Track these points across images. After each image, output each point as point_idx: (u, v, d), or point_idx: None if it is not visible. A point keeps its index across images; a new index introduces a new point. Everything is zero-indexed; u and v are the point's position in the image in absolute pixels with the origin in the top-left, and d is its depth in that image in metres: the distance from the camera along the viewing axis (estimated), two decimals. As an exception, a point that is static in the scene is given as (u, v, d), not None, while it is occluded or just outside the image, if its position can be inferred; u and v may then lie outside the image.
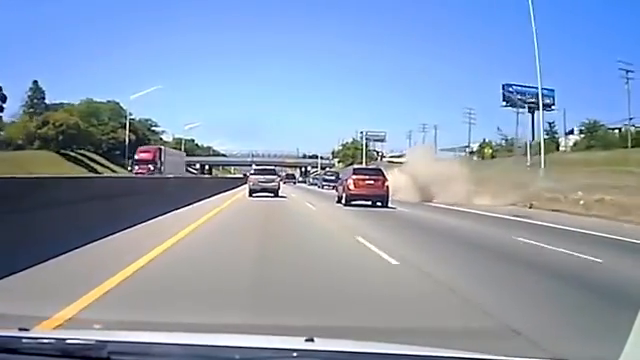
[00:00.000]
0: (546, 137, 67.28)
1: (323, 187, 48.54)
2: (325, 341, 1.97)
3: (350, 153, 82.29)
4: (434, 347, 1.99)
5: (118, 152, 66.88)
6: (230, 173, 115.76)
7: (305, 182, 70.55)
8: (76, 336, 1.87)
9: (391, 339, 2.41)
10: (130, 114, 75.30)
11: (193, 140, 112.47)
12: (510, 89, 77.53)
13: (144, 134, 76.80)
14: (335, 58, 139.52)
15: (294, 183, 65.29)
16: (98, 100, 70.83)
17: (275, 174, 29.12)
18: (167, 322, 3.87)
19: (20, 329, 1.96)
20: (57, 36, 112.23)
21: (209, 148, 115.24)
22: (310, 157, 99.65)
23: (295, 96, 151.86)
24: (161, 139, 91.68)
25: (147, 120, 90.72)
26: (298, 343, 1.88)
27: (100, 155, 62.31)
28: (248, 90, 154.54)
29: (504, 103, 76.03)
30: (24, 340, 1.82)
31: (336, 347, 1.93)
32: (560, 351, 3.76)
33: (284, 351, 1.83)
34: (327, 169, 78.57)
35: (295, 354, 1.79)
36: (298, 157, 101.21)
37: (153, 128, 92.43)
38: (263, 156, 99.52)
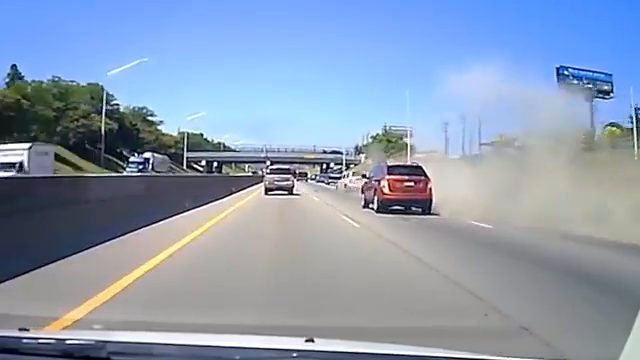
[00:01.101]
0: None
1: (329, 184, 53.78)
2: (325, 341, 1.95)
3: (382, 147, 68.01)
4: (434, 347, 1.98)
5: (95, 145, 52.90)
6: (244, 171, 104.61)
7: (316, 180, 68.17)
8: (76, 336, 1.89)
9: (391, 339, 2.30)
10: (112, 97, 61.94)
11: (202, 134, 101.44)
12: (565, 72, 64.32)
13: (132, 123, 63.01)
14: (352, 53, 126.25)
15: (306, 181, 64.46)
16: (69, 80, 56.63)
17: (290, 173, 29.87)
18: (167, 322, 3.82)
19: (20, 329, 1.93)
20: (65, 29, 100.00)
21: (219, 144, 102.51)
22: (331, 152, 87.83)
23: (312, 91, 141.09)
24: (157, 130, 78.40)
25: (142, 108, 77.44)
26: (298, 343, 1.86)
27: (67, 148, 48.29)
28: (262, 86, 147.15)
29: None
30: (24, 340, 1.81)
31: (336, 347, 1.92)
32: None
33: (284, 351, 1.82)
34: (333, 167, 73.88)
35: (295, 354, 1.79)
36: (318, 152, 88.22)
37: (149, 118, 78.99)
38: (279, 151, 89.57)
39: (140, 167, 46.62)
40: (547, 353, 3.64)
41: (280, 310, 4.83)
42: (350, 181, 37.69)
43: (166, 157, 58.31)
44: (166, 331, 2.17)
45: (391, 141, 69.50)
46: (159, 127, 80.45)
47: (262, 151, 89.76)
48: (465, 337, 3.93)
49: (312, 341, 1.86)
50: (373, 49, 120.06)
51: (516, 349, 3.74)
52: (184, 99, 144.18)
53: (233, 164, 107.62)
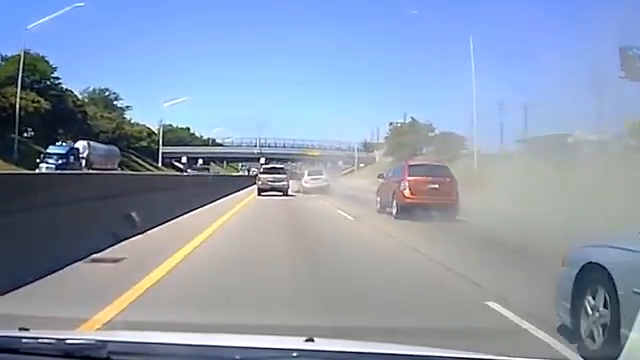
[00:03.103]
0: None
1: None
2: (325, 341, 1.95)
3: (408, 141, 52.42)
4: (434, 347, 1.97)
5: (21, 131, 37.01)
6: (237, 170, 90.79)
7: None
8: (76, 336, 1.89)
9: (391, 339, 2.34)
10: (53, 69, 46.49)
11: (188, 129, 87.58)
12: (630, 52, 49.63)
13: (76, 103, 47.19)
14: (357, 47, 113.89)
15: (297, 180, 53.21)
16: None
17: (284, 173, 27.28)
18: (167, 322, 3.78)
19: (20, 329, 1.90)
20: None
21: (210, 140, 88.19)
22: (336, 149, 74.73)
23: (314, 87, 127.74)
24: (123, 117, 62.89)
25: (104, 90, 61.94)
26: (298, 343, 1.85)
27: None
28: (260, 83, 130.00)
29: (623, 73, 48.37)
30: (24, 340, 1.78)
31: (336, 347, 1.92)
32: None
33: (284, 351, 1.82)
34: (340, 165, 67.42)
35: (295, 354, 1.78)
36: (323, 149, 73.24)
37: (115, 104, 63.46)
38: (276, 147, 75.57)
39: (61, 161, 31.32)
40: (546, 352, 3.74)
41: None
42: (305, 182, 31.81)
43: (114, 147, 42.71)
44: (166, 331, 2.15)
45: (419, 133, 53.80)
46: (126, 115, 65.08)
47: (255, 146, 75.34)
48: (466, 336, 3.94)
49: (312, 341, 1.85)
50: (379, 42, 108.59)
51: (517, 349, 3.70)
52: (181, 97, 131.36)
53: (225, 162, 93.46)
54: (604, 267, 3.65)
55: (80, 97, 55.94)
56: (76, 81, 73.69)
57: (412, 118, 57.29)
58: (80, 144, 36.51)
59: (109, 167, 37.46)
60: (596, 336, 3.71)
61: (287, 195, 25.33)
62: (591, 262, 3.78)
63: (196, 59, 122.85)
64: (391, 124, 67.07)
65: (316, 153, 72.89)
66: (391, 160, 57.26)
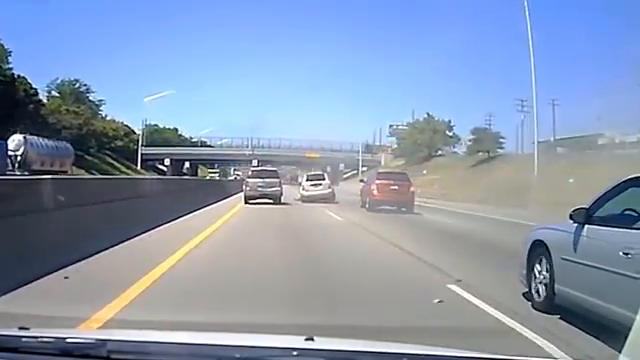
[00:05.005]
0: None
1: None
2: (325, 340, 1.93)
3: (423, 139, 44.83)
4: (434, 346, 1.97)
5: None
6: (229, 174, 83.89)
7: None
8: (76, 335, 1.88)
9: (390, 338, 2.32)
10: (7, 54, 38.79)
11: (176, 129, 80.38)
12: None
13: (28, 92, 39.19)
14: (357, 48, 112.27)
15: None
16: None
17: (277, 177, 24.30)
18: (167, 320, 3.84)
19: (20, 328, 1.87)
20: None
21: (200, 141, 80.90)
22: (331, 151, 67.96)
23: (311, 85, 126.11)
24: (97, 113, 55.11)
25: (74, 82, 54.12)
26: (298, 342, 1.84)
27: None
28: (257, 83, 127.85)
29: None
30: (24, 339, 1.77)
31: (336, 346, 1.92)
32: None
33: (284, 350, 1.81)
34: (342, 169, 64.13)
35: (295, 353, 1.77)
36: (325, 150, 66.57)
37: (87, 96, 55.66)
38: (270, 148, 68.61)
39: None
40: (544, 352, 3.74)
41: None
42: (303, 188, 27.81)
43: (65, 145, 34.74)
44: (165, 330, 2.13)
45: (439, 130, 46.09)
46: (102, 111, 57.36)
47: (247, 147, 67.87)
48: (465, 335, 4.03)
49: (312, 340, 1.83)
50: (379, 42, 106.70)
51: (516, 347, 3.73)
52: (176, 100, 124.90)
53: (215, 165, 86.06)
54: (544, 243, 5.21)
55: (45, 89, 48.43)
56: (56, 74, 65.75)
57: (427, 114, 49.50)
58: (15, 138, 28.82)
59: (56, 169, 29.74)
60: (540, 292, 5.13)
61: (279, 203, 22.19)
62: (537, 240, 5.38)
63: (190, 57, 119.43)
64: (391, 126, 60.59)
65: (315, 155, 65.90)
66: (403, 163, 49.84)
